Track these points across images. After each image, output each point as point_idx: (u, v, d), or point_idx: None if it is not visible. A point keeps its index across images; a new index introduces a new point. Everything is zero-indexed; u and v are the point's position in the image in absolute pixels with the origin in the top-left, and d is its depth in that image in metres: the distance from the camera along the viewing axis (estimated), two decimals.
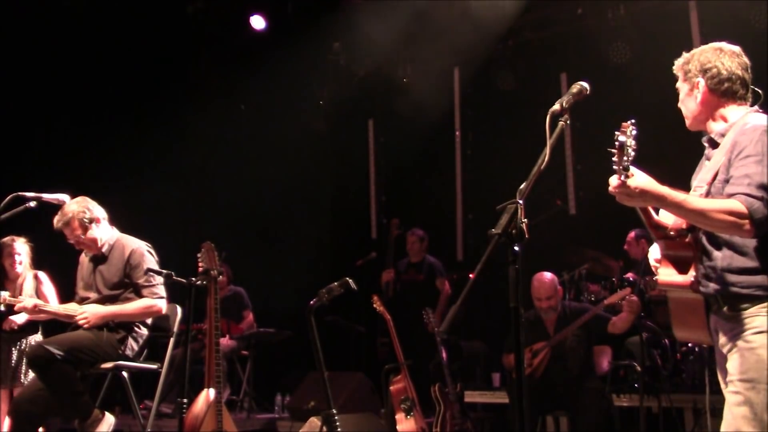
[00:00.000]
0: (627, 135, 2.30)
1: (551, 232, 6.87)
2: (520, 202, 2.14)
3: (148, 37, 8.46)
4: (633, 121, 2.35)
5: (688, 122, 2.72)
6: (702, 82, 2.62)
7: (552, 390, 5.22)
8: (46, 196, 4.34)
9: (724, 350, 2.49)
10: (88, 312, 4.34)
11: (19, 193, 4.21)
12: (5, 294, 4.71)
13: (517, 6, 7.70)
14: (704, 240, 2.50)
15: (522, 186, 2.21)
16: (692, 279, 2.51)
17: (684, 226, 2.55)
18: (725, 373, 2.52)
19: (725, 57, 2.62)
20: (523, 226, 2.10)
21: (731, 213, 2.32)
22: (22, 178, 6.40)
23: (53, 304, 5.12)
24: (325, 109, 9.35)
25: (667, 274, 2.56)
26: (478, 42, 8.09)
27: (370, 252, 7.97)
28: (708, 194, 2.49)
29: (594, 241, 7.11)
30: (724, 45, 2.66)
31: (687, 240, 2.53)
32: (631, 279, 6.35)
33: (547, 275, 5.45)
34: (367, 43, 8.50)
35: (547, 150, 2.27)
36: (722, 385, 2.59)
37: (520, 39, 8.21)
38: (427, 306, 6.15)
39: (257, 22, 8.68)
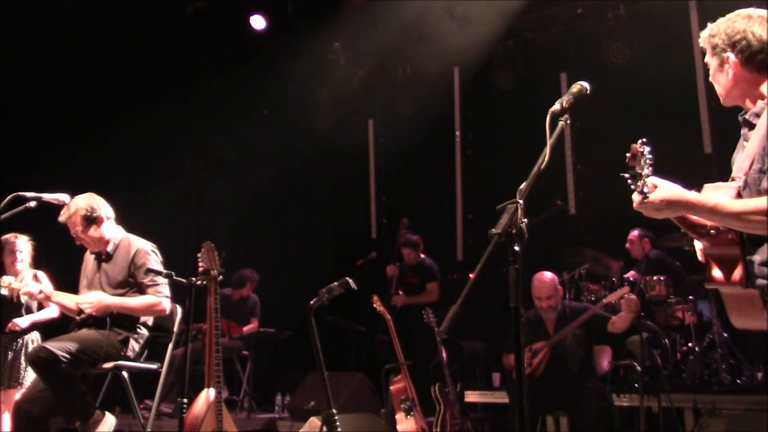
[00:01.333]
0: (638, 156, 2.21)
1: (551, 232, 6.88)
2: (520, 202, 2.13)
3: (148, 37, 8.47)
4: (644, 140, 2.24)
5: (721, 98, 2.54)
6: (732, 56, 2.41)
7: (552, 390, 5.22)
8: (46, 196, 4.33)
9: None
10: (93, 299, 4.34)
11: (19, 193, 4.21)
12: (9, 279, 4.67)
13: (517, 6, 7.70)
14: (746, 234, 2.35)
15: (522, 186, 2.20)
16: (740, 275, 2.36)
17: None
18: None
19: (755, 25, 2.40)
20: (523, 226, 2.09)
21: (767, 213, 2.21)
22: (22, 178, 6.40)
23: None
24: (325, 109, 9.35)
25: (714, 272, 2.41)
26: (478, 42, 8.10)
27: (370, 252, 7.97)
28: (745, 185, 2.35)
29: (594, 241, 7.12)
30: (753, 11, 2.44)
31: (730, 236, 2.38)
32: (631, 279, 6.36)
33: (548, 275, 5.44)
34: (367, 43, 8.51)
35: (547, 150, 2.25)
36: None
37: (520, 39, 8.21)
38: (421, 306, 6.15)
39: (257, 22, 8.69)
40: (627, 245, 6.81)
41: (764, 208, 2.20)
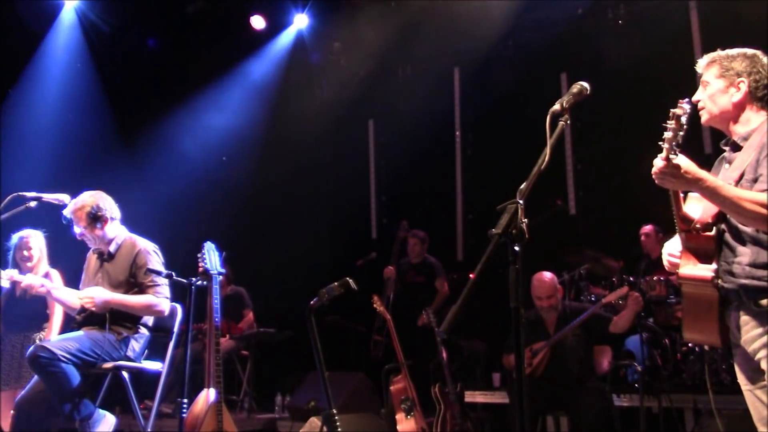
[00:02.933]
0: (684, 111, 2.34)
1: (551, 232, 6.87)
2: (520, 202, 2.13)
3: (147, 37, 8.48)
4: (688, 100, 2.40)
5: (708, 116, 2.71)
6: (746, 82, 2.63)
7: (552, 390, 5.21)
8: (46, 196, 4.34)
9: (751, 347, 2.49)
10: (93, 293, 4.34)
11: (19, 193, 4.21)
12: (13, 271, 4.65)
13: (517, 6, 7.70)
14: (729, 236, 2.53)
15: (522, 186, 2.21)
16: (713, 274, 2.52)
17: (710, 220, 2.56)
18: (748, 370, 2.57)
19: (766, 67, 2.67)
20: (523, 226, 2.10)
21: (764, 205, 2.36)
22: (22, 178, 6.41)
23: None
24: (325, 109, 9.34)
25: (688, 268, 2.57)
26: (478, 42, 8.09)
27: (370, 252, 7.96)
28: None
29: (594, 241, 7.11)
30: (758, 52, 2.70)
31: (711, 234, 2.55)
32: (631, 279, 6.35)
33: (547, 275, 5.44)
34: (367, 43, 8.50)
35: (548, 150, 2.27)
36: (743, 382, 2.61)
37: (520, 39, 8.20)
38: (421, 307, 6.14)
39: (257, 22, 8.69)
40: (642, 239, 6.64)
41: (762, 200, 2.37)
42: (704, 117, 2.72)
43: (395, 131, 9.02)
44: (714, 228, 2.56)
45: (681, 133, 2.32)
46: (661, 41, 7.03)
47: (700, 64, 2.75)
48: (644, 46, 7.31)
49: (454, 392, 5.56)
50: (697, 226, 2.57)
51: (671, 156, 2.35)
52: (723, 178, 2.59)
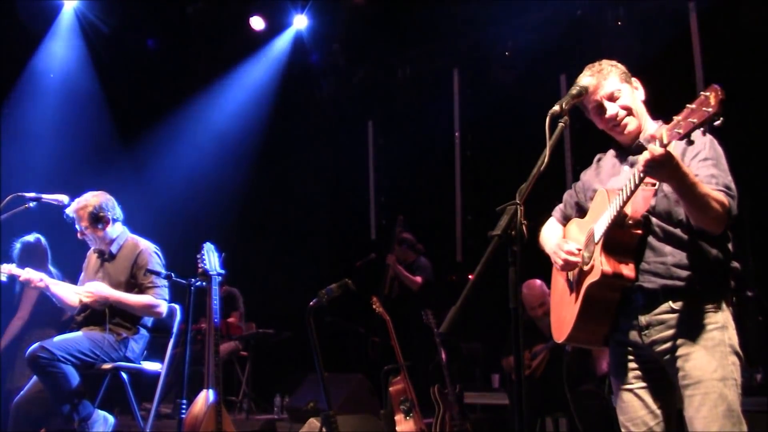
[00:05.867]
0: (721, 96, 2.13)
1: None
2: (520, 203, 2.13)
3: (147, 37, 8.48)
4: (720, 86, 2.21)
5: (633, 126, 2.66)
6: (636, 81, 2.70)
7: (551, 391, 5.21)
8: (46, 197, 4.34)
9: (662, 347, 2.45)
10: (92, 288, 4.35)
11: (19, 194, 4.22)
12: (10, 266, 4.64)
13: (517, 7, 7.70)
14: (653, 235, 2.48)
15: (522, 187, 2.21)
16: (633, 273, 2.47)
17: (640, 217, 2.50)
18: (635, 369, 2.54)
19: None
20: (523, 227, 2.10)
21: (723, 205, 2.34)
22: (22, 178, 6.40)
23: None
24: (325, 109, 9.34)
25: (611, 263, 2.47)
26: (478, 42, 8.09)
27: (369, 253, 7.95)
28: (663, 194, 2.48)
29: None
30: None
31: (639, 232, 2.49)
32: None
33: (536, 282, 5.40)
34: (366, 43, 8.50)
35: (547, 151, 2.27)
36: (623, 381, 2.56)
37: (519, 40, 8.20)
38: (420, 308, 6.12)
39: (256, 23, 8.69)
40: None
41: (721, 200, 2.34)
42: (632, 125, 2.66)
43: (395, 132, 9.02)
44: (643, 226, 2.49)
45: (717, 122, 2.04)
46: (660, 42, 7.03)
47: (593, 82, 2.66)
48: (644, 47, 7.31)
49: (454, 393, 5.56)
50: (629, 221, 2.49)
51: (661, 147, 2.20)
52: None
